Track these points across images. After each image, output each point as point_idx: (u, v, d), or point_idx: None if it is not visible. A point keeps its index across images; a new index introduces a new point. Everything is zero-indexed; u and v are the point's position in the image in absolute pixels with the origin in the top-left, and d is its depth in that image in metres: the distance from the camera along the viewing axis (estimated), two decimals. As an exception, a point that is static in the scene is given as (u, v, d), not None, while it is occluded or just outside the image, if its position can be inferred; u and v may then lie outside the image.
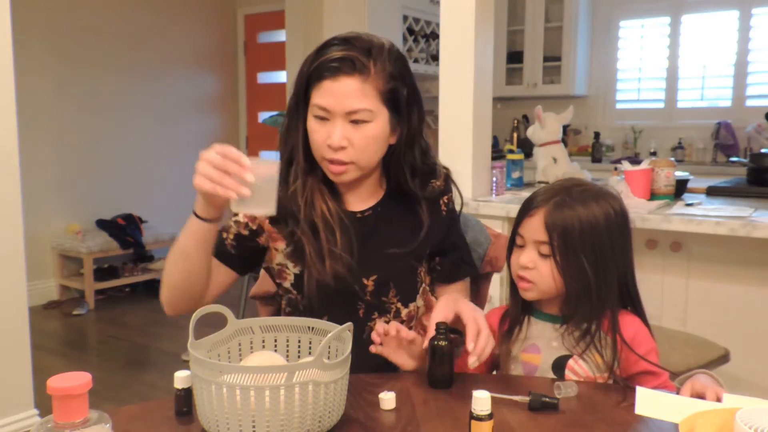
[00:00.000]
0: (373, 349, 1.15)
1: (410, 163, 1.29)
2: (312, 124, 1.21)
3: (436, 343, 1.10)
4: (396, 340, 1.15)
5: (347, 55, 1.17)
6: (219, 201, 1.08)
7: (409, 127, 1.26)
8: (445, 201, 1.37)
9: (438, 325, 1.11)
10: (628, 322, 1.18)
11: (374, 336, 1.15)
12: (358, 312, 1.29)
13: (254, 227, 1.28)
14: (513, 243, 1.20)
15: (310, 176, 1.25)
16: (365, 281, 1.28)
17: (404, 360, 1.17)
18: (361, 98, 1.17)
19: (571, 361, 1.16)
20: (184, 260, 1.17)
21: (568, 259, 1.13)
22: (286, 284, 1.31)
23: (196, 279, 1.20)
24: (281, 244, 1.28)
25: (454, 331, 1.15)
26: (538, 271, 1.15)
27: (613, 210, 1.15)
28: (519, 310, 1.22)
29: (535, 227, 1.15)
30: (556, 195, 1.15)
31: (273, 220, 1.26)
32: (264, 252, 1.31)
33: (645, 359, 1.15)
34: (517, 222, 1.19)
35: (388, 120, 1.22)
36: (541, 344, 1.20)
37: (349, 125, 1.18)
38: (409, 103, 1.24)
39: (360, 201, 1.31)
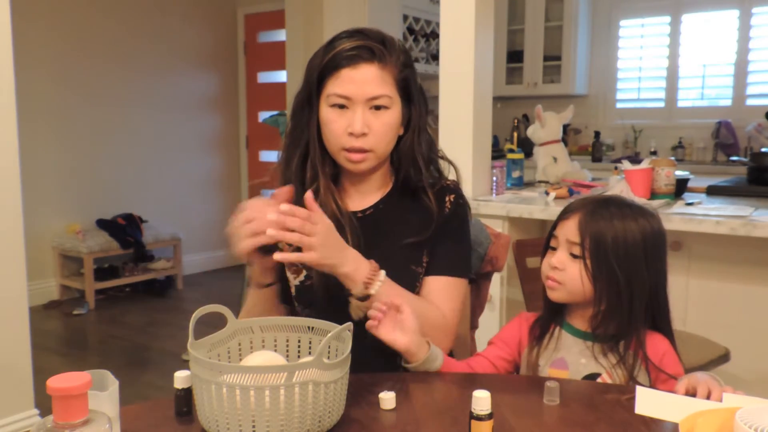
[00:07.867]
0: (370, 325, 1.10)
1: (420, 153, 1.29)
2: (328, 114, 1.21)
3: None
4: (391, 320, 1.10)
5: (365, 43, 1.19)
6: (265, 261, 1.15)
7: (419, 116, 1.27)
8: (451, 200, 1.32)
9: None
10: (656, 342, 1.17)
11: (374, 313, 1.10)
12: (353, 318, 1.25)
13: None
14: (547, 246, 1.21)
15: (322, 174, 1.25)
16: None
17: (396, 336, 1.10)
18: (381, 84, 1.20)
19: (599, 380, 1.16)
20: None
21: (599, 262, 1.13)
22: (290, 297, 1.30)
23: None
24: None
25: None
26: (567, 273, 1.15)
27: (651, 228, 1.15)
28: (548, 315, 1.22)
29: (569, 228, 1.16)
30: (594, 204, 1.17)
31: None
32: None
33: (673, 377, 1.13)
34: (554, 225, 1.21)
35: (400, 109, 1.24)
36: (570, 360, 1.18)
37: (369, 112, 1.20)
38: (417, 93, 1.27)
39: (362, 199, 1.31)
